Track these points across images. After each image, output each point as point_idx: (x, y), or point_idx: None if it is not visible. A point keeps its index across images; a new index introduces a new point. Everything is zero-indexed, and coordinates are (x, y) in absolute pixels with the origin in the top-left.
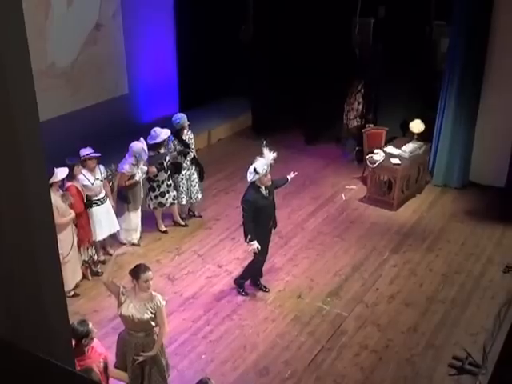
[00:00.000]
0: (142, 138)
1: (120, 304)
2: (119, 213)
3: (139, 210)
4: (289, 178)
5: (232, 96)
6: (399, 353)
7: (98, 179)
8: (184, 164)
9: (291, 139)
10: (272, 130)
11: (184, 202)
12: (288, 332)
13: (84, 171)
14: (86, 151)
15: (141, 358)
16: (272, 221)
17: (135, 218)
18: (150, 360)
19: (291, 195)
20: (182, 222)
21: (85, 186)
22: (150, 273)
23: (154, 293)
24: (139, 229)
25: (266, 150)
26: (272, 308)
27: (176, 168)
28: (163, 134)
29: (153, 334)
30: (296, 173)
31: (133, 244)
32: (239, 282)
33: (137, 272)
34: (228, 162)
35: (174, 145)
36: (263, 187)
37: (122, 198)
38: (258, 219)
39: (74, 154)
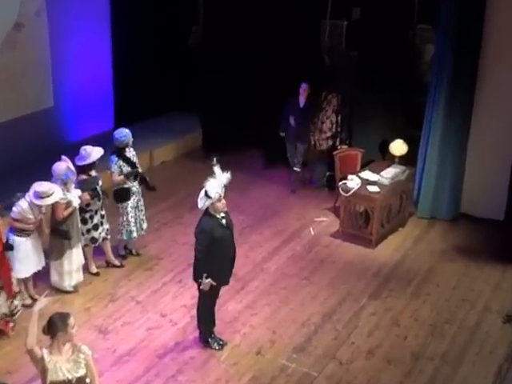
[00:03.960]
0: (64, 156)
1: (45, 371)
2: (55, 253)
3: (80, 244)
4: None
5: (179, 110)
6: None
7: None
8: (134, 188)
9: (249, 161)
10: (226, 151)
11: (135, 235)
12: None
13: None
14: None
15: None
16: (233, 253)
17: (77, 254)
18: None
19: (249, 230)
20: (117, 262)
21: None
22: (72, 319)
23: (77, 343)
24: (81, 268)
25: (217, 170)
26: (226, 366)
27: (123, 195)
28: (95, 152)
29: None
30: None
31: (68, 291)
32: (204, 338)
33: (54, 326)
34: (173, 188)
35: (119, 166)
36: (219, 214)
37: (61, 234)
38: (215, 252)
39: None
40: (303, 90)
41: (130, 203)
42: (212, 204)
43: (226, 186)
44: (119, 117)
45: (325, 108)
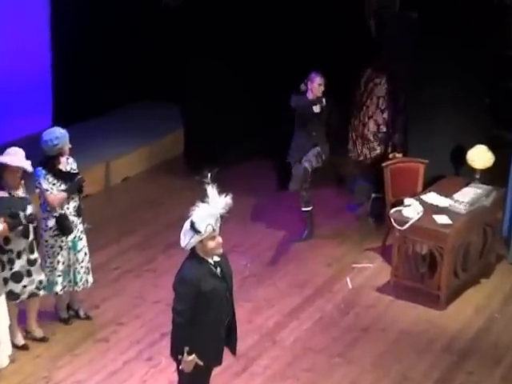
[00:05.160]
0: None
1: None
2: None
3: (3, 298)
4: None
5: (150, 101)
6: None
7: None
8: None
9: (255, 177)
10: (220, 161)
11: (58, 290)
12: None
13: None
14: None
15: None
16: (230, 316)
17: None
18: None
19: (255, 281)
20: (38, 333)
21: None
22: None
23: None
24: (8, 341)
25: (210, 190)
26: None
27: (66, 224)
28: (18, 157)
29: None
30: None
31: None
32: None
33: None
34: (142, 218)
35: (48, 183)
36: (211, 258)
37: None
38: (204, 315)
39: None
40: (314, 84)
41: (59, 241)
42: (201, 242)
43: (222, 216)
44: (60, 112)
45: (365, 102)
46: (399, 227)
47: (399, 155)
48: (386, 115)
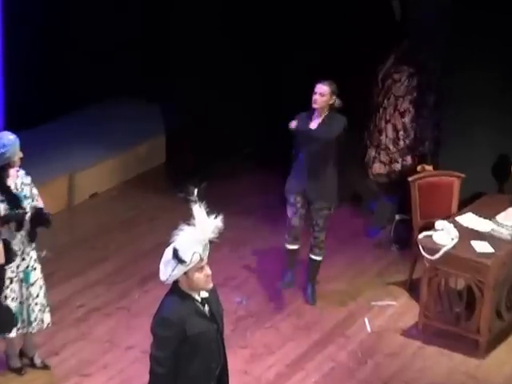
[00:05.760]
0: None
1: None
2: None
3: None
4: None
5: (124, 97)
6: None
7: None
8: (15, 247)
9: (250, 195)
10: (208, 176)
11: (13, 334)
12: None
13: None
14: None
15: None
16: (221, 365)
17: None
18: None
19: (251, 322)
20: None
21: None
22: None
23: None
24: None
25: (198, 210)
26: None
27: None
28: None
29: None
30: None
31: None
32: None
33: None
34: (112, 244)
35: None
36: (198, 294)
37: None
38: (189, 364)
39: None
40: (321, 97)
41: (9, 271)
42: (186, 274)
43: (212, 242)
44: (12, 112)
45: (381, 103)
46: (429, 256)
47: (429, 167)
48: (406, 119)
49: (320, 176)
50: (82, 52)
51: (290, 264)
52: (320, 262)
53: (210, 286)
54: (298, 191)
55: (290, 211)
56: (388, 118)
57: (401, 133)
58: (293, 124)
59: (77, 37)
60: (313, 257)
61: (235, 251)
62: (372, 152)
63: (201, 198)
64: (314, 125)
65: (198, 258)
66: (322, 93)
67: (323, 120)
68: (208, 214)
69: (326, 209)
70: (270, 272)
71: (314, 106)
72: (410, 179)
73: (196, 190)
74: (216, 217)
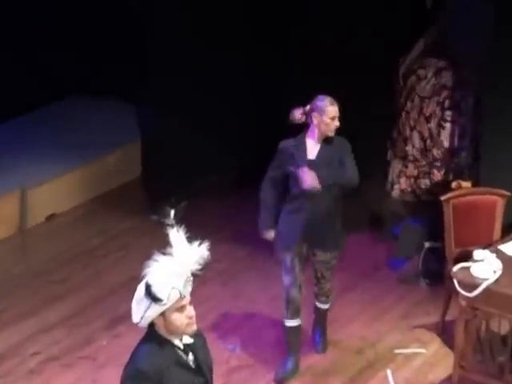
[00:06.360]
0: None
1: None
2: None
3: None
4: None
5: (88, 101)
6: None
7: None
8: None
9: (242, 216)
10: (191, 193)
11: None
12: None
13: None
14: None
15: None
16: None
17: None
18: None
19: (248, 373)
20: None
21: None
22: None
23: None
24: None
25: (177, 236)
26: None
27: None
28: None
29: None
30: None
31: None
32: None
33: None
34: (73, 277)
35: None
36: (179, 339)
37: None
38: None
39: None
40: (324, 118)
41: None
42: (163, 316)
43: (196, 276)
44: None
45: (404, 105)
46: (466, 293)
47: (466, 184)
48: (432, 124)
49: (325, 220)
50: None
51: (292, 347)
52: (328, 309)
53: (194, 329)
54: (295, 247)
55: (286, 279)
56: (413, 123)
57: (428, 142)
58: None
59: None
60: (319, 306)
61: (226, 287)
62: (397, 165)
63: (178, 221)
64: (313, 153)
65: (178, 296)
66: (335, 116)
67: (323, 147)
68: (189, 240)
69: (333, 259)
70: (269, 313)
71: (331, 133)
72: (442, 198)
73: (173, 211)
74: (200, 244)
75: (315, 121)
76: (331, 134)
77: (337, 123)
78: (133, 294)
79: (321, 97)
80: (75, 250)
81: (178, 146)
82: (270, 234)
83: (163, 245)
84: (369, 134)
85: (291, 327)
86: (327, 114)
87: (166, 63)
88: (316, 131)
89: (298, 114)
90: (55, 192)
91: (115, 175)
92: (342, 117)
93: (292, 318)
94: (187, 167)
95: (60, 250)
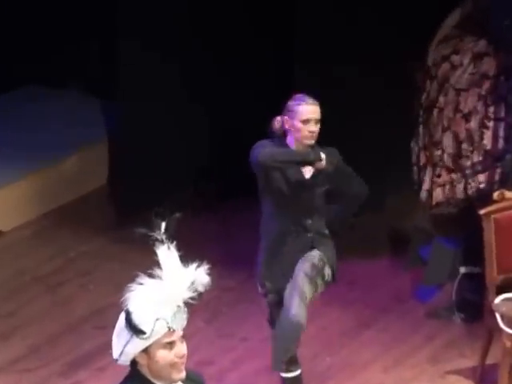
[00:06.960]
0: None
1: None
2: None
3: None
4: None
5: (41, 93)
6: None
7: None
8: None
9: (248, 232)
10: (182, 203)
11: None
12: None
13: None
14: None
15: None
16: None
17: None
18: None
19: None
20: None
21: None
22: None
23: None
24: None
25: (166, 255)
26: None
27: None
28: None
29: None
30: None
31: None
32: None
33: None
34: (28, 309)
35: None
36: (168, 382)
37: None
38: None
39: None
40: (296, 122)
41: None
42: (147, 352)
43: (189, 305)
44: None
45: (435, 100)
46: (511, 331)
47: (511, 195)
48: (472, 124)
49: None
50: None
51: None
52: None
53: (182, 376)
54: (284, 284)
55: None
56: (446, 123)
57: (465, 145)
58: None
59: None
60: None
61: (212, 323)
62: (427, 172)
63: (170, 236)
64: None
65: (165, 329)
66: (317, 118)
67: None
68: (182, 259)
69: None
70: (263, 355)
71: (308, 142)
72: (481, 212)
73: (163, 224)
74: (198, 265)
75: (286, 126)
76: (309, 142)
77: (312, 128)
78: (96, 332)
79: (297, 95)
80: (24, 278)
81: (153, 149)
82: None
83: (135, 270)
84: (388, 138)
85: (290, 378)
86: (298, 115)
87: (138, 46)
88: (292, 140)
89: (274, 122)
90: (1, 205)
91: (75, 184)
92: (356, 122)
93: (289, 369)
94: (163, 174)
95: (5, 277)
